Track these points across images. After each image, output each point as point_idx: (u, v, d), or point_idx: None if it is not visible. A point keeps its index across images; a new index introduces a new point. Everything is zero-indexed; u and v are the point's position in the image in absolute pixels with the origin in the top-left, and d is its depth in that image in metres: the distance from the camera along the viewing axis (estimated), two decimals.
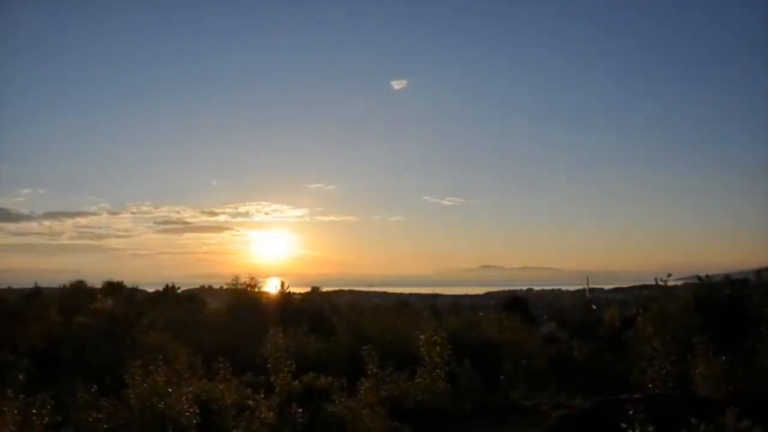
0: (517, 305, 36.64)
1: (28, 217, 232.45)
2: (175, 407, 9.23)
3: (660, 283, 15.25)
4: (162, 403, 9.22)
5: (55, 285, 32.35)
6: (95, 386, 10.56)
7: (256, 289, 31.78)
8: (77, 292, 26.98)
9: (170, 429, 8.91)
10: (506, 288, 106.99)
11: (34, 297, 28.75)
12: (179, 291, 35.26)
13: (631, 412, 6.17)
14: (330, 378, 12.29)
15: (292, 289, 35.86)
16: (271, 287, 32.88)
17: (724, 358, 11.77)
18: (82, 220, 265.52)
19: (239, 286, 31.16)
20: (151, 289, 38.38)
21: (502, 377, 16.17)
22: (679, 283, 22.93)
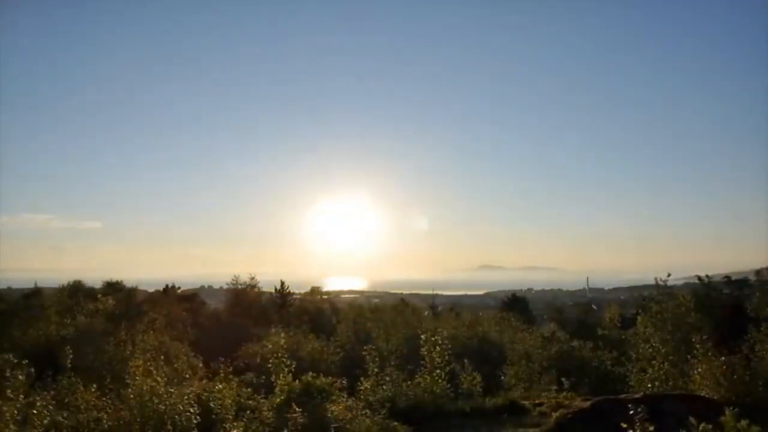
0: (517, 305, 36.67)
1: None
2: (175, 407, 9.22)
3: (660, 283, 15.23)
4: (162, 403, 9.21)
5: (55, 285, 32.37)
6: (95, 386, 10.56)
7: (256, 290, 31.85)
8: (77, 292, 26.99)
9: (170, 429, 8.90)
10: (506, 288, 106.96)
11: (34, 297, 28.75)
12: (179, 291, 35.29)
13: (631, 412, 6.16)
14: (330, 378, 12.28)
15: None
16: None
17: (724, 358, 11.77)
18: None
19: (239, 287, 31.21)
20: (151, 289, 38.40)
21: (502, 377, 16.17)
22: (679, 283, 22.95)
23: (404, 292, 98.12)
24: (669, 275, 15.23)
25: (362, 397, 11.84)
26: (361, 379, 12.64)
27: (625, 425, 5.97)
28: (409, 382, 13.18)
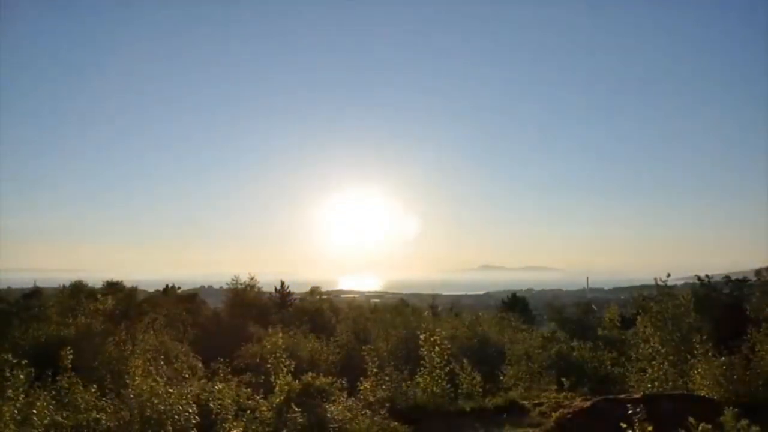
0: (517, 305, 36.63)
1: None
2: (174, 407, 9.22)
3: (660, 283, 15.22)
4: (162, 403, 9.22)
5: (55, 285, 32.37)
6: (95, 386, 10.56)
7: (256, 290, 31.82)
8: (77, 292, 26.96)
9: (170, 429, 8.90)
10: (506, 288, 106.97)
11: (34, 297, 28.73)
12: (179, 291, 35.26)
13: (630, 412, 6.16)
14: (330, 378, 12.30)
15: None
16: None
17: (724, 358, 11.77)
18: None
19: (239, 287, 31.18)
20: (151, 289, 38.39)
21: (502, 377, 16.16)
22: (679, 283, 22.94)
23: (404, 293, 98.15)
24: (669, 275, 15.21)
25: (362, 397, 11.84)
26: (361, 379, 12.63)
27: (624, 425, 5.96)
28: (408, 382, 13.18)
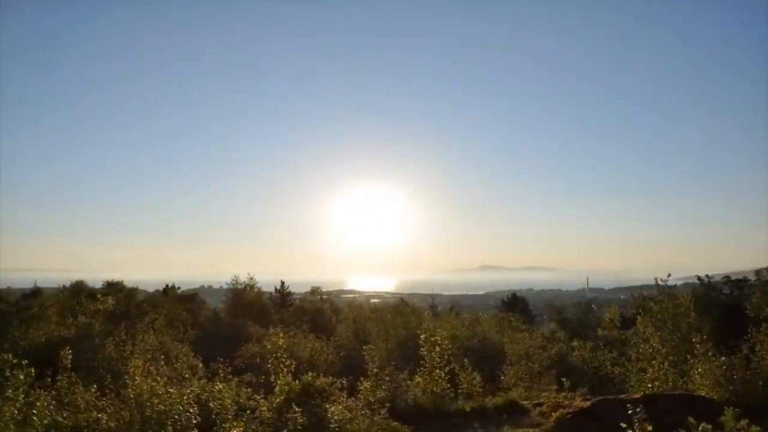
0: (517, 305, 36.62)
1: None
2: (174, 407, 9.22)
3: (660, 283, 15.24)
4: (162, 403, 9.21)
5: (55, 285, 32.36)
6: (95, 386, 10.56)
7: (256, 290, 31.83)
8: (77, 292, 26.95)
9: (170, 429, 8.90)
10: (506, 288, 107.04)
11: (34, 297, 28.71)
12: (179, 291, 35.25)
13: (630, 412, 6.16)
14: (330, 378, 12.30)
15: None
16: None
17: (724, 358, 11.76)
18: None
19: (239, 287, 31.19)
20: (151, 289, 38.37)
21: (502, 377, 16.17)
22: (679, 283, 22.94)
23: (404, 293, 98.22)
24: (669, 275, 15.23)
25: (362, 397, 11.83)
26: (361, 379, 12.63)
27: (624, 425, 5.96)
28: (409, 382, 13.18)
